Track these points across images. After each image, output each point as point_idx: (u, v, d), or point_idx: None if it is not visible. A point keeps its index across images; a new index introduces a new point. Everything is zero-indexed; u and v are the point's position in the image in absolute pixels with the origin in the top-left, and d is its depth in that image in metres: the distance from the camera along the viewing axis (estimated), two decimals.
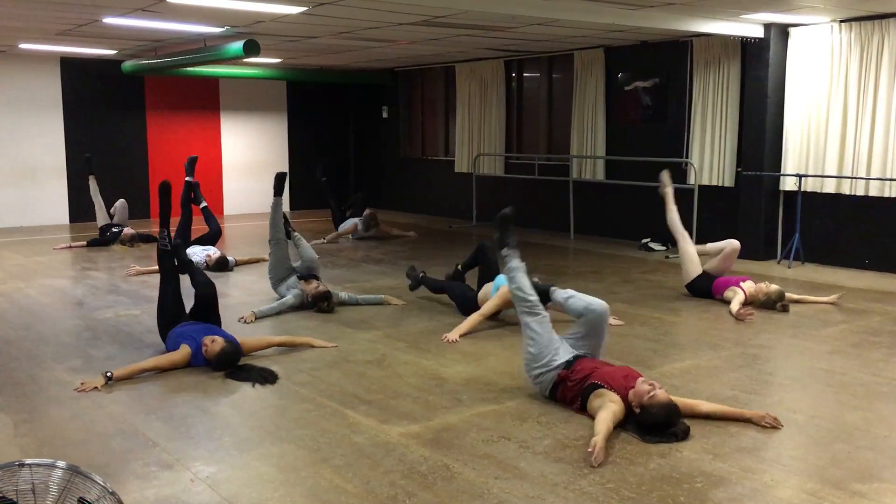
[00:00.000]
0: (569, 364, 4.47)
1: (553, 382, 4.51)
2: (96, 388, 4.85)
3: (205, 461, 3.81)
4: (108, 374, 4.96)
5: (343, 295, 7.26)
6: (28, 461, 2.38)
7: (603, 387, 4.25)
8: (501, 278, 6.15)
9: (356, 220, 11.70)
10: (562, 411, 4.46)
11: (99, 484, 2.41)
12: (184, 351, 5.28)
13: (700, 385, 4.94)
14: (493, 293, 6.41)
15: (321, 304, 6.95)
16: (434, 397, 4.71)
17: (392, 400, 4.67)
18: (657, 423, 4.03)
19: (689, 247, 7.65)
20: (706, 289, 7.42)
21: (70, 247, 10.76)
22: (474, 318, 6.24)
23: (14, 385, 4.96)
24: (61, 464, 2.41)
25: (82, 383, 4.91)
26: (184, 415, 4.46)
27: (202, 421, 4.37)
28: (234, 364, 5.22)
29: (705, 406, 4.35)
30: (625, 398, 4.18)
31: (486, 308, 6.30)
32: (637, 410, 4.11)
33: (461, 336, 6.06)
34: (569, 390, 4.42)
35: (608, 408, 4.10)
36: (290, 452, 3.91)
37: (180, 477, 3.63)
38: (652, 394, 4.07)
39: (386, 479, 3.60)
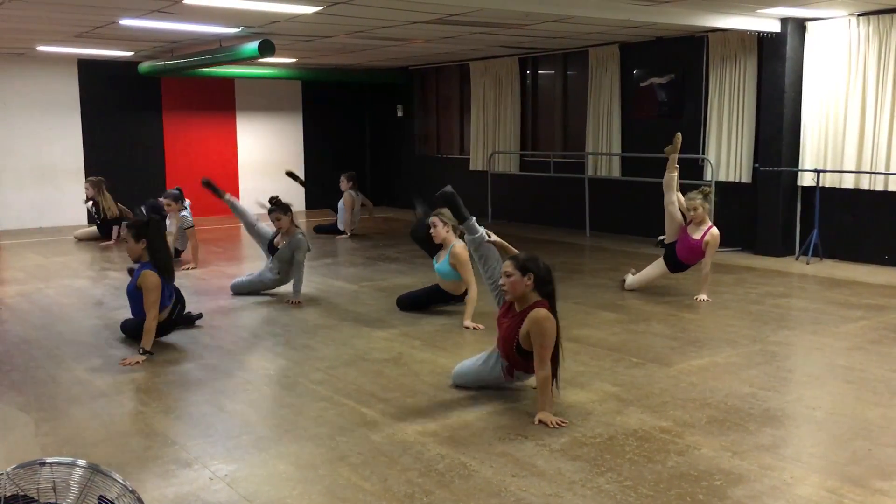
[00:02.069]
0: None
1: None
2: (138, 362, 5.41)
3: (223, 459, 3.83)
4: (143, 350, 5.50)
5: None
6: (49, 460, 2.40)
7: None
8: (438, 266, 6.73)
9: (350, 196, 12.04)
10: (578, 408, 4.45)
11: (119, 482, 2.42)
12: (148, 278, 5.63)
13: (719, 382, 4.91)
14: (443, 278, 6.77)
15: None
16: (450, 395, 4.72)
17: (409, 398, 4.68)
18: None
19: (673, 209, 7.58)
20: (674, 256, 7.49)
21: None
22: (471, 298, 6.45)
23: (35, 384, 5.01)
24: (82, 462, 2.42)
25: (124, 361, 5.44)
26: (202, 414, 4.49)
27: (220, 420, 4.40)
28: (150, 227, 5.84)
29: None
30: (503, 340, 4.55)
31: (469, 283, 6.50)
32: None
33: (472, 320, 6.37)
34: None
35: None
36: (307, 451, 3.92)
37: (199, 475, 3.66)
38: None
39: (403, 477, 3.61)
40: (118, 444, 4.05)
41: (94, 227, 11.72)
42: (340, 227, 12.06)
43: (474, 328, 6.23)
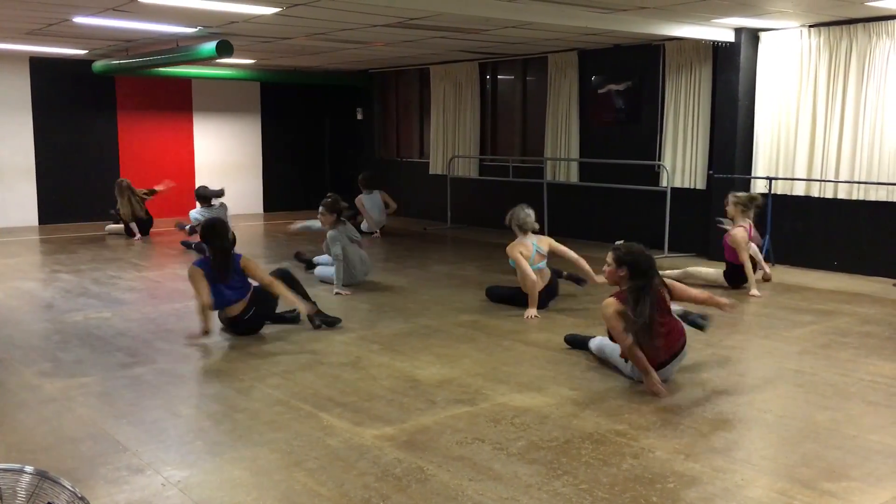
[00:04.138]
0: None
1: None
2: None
3: (176, 465, 3.78)
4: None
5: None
6: None
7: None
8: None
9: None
10: (535, 412, 4.48)
11: (68, 489, 2.38)
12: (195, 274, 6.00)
13: (672, 386, 4.97)
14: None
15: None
16: (408, 399, 4.71)
17: (366, 402, 4.66)
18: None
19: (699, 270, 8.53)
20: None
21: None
22: (533, 291, 6.92)
23: None
24: (29, 469, 2.37)
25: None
26: (155, 419, 4.42)
27: (173, 425, 4.33)
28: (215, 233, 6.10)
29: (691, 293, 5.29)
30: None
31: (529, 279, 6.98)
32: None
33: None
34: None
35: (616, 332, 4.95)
36: (263, 456, 3.88)
37: (151, 481, 3.60)
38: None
39: (360, 481, 3.59)
40: (68, 449, 3.97)
41: (121, 225, 12.17)
42: (365, 227, 11.98)
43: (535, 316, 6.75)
